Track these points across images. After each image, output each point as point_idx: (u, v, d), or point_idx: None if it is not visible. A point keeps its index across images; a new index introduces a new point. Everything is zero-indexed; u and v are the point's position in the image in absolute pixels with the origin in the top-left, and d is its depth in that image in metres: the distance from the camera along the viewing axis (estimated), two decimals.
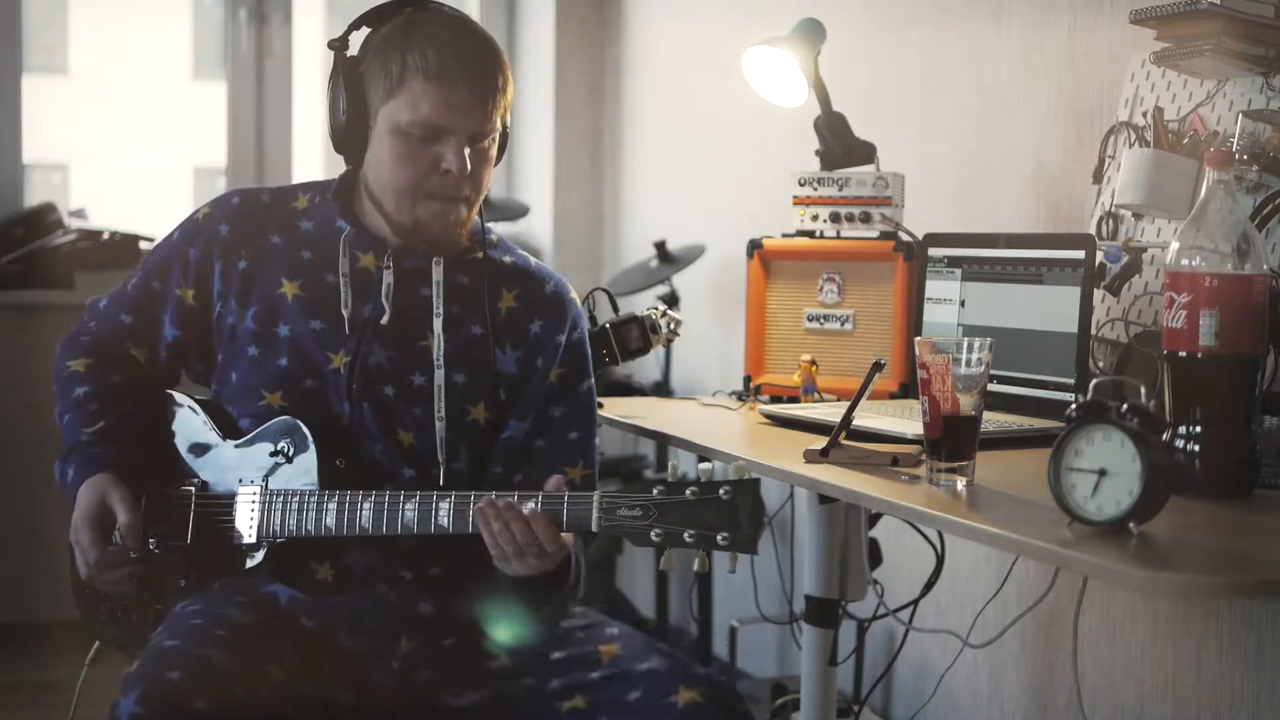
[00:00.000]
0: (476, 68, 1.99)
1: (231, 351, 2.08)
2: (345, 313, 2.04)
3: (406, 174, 2.00)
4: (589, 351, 2.15)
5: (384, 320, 2.04)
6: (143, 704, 1.76)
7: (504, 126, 2.06)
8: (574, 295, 2.16)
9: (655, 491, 1.80)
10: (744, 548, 1.77)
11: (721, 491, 1.77)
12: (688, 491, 1.78)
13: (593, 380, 2.15)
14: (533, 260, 2.17)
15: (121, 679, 1.82)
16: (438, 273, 2.06)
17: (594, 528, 1.83)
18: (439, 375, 2.04)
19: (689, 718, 1.90)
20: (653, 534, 1.79)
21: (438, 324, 2.05)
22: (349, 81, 2.02)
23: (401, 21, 2.01)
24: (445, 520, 1.91)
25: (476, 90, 1.98)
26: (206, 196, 2.31)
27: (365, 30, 2.06)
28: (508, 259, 2.14)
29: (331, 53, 2.04)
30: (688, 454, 2.16)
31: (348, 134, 2.04)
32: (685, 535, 1.78)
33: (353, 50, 2.05)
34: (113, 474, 2.04)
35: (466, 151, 1.99)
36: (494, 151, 2.05)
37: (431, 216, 2.02)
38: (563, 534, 1.87)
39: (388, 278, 2.05)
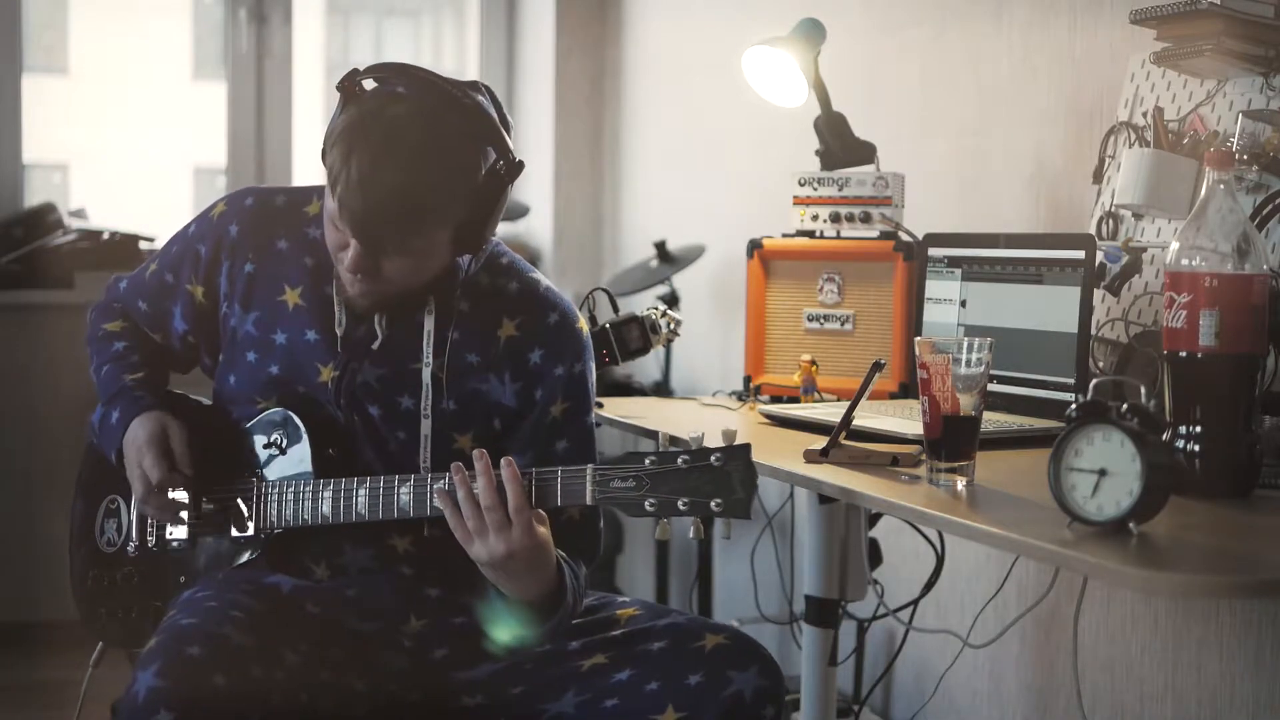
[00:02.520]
0: (376, 226, 1.85)
1: (231, 355, 2.09)
2: (339, 331, 2.02)
3: (329, 241, 1.95)
4: (593, 384, 2.09)
5: (375, 345, 2.01)
6: (162, 677, 1.76)
7: (469, 223, 1.91)
8: (582, 325, 2.07)
9: (648, 461, 1.79)
10: (737, 513, 1.77)
11: (713, 458, 1.77)
12: (679, 460, 1.78)
13: (594, 413, 2.11)
14: (542, 285, 2.08)
15: (139, 657, 1.82)
16: (429, 322, 2.02)
17: (588, 500, 1.82)
18: (425, 425, 2.01)
19: (718, 659, 1.91)
20: (647, 504, 1.79)
21: (426, 373, 2.01)
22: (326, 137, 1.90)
23: (347, 122, 1.86)
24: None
25: (374, 247, 1.88)
26: (207, 197, 2.30)
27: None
28: (514, 285, 2.07)
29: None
30: None
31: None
32: (679, 503, 1.78)
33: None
34: (165, 411, 2.07)
35: (363, 261, 1.89)
36: (427, 260, 1.92)
37: (346, 283, 1.97)
38: (542, 530, 1.86)
39: None
